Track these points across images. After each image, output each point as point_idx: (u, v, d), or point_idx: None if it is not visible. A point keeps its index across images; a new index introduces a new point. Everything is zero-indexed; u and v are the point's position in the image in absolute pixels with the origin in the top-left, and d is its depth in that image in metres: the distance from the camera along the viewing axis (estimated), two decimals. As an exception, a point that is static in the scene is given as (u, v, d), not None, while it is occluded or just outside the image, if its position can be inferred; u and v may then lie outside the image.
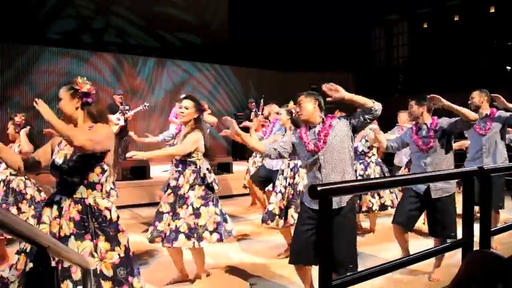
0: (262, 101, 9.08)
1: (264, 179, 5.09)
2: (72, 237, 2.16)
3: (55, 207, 2.23)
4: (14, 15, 9.33)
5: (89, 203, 2.24)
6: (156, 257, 4.36)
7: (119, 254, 2.24)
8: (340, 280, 1.87)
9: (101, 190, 2.32)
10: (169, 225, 3.30)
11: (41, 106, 2.17)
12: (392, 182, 2.77)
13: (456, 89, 12.07)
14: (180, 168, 3.41)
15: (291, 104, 3.88)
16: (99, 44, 10.80)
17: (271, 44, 12.87)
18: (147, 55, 11.28)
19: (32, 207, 4.11)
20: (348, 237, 2.76)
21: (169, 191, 3.42)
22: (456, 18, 13.00)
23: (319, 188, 1.77)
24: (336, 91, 2.79)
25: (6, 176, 4.15)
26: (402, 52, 15.13)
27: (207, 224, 3.30)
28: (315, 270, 2.24)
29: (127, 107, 7.93)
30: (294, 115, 3.63)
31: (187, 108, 3.41)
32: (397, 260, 2.30)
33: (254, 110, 9.36)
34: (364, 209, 5.03)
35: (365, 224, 5.56)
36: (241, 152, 10.36)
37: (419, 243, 4.52)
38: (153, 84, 11.14)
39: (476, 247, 2.54)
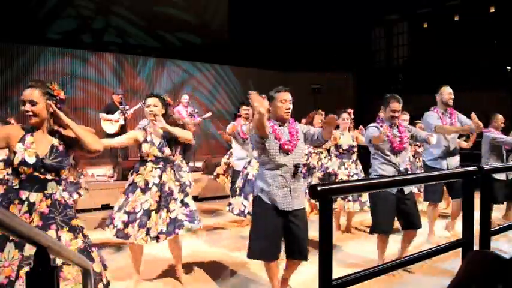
0: (262, 101, 9.06)
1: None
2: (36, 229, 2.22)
3: (25, 203, 2.28)
4: (14, 15, 9.33)
5: (56, 198, 2.36)
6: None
7: (82, 240, 2.38)
8: (340, 280, 1.87)
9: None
10: (162, 219, 3.33)
11: (59, 111, 2.35)
12: (392, 182, 2.77)
13: (456, 89, 12.08)
14: (161, 165, 3.42)
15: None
16: (99, 44, 10.80)
17: (271, 44, 12.86)
18: (147, 55, 11.29)
19: None
20: (306, 229, 3.11)
21: (154, 188, 3.37)
22: (456, 18, 13.00)
23: (319, 188, 1.77)
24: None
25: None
26: (402, 52, 15.13)
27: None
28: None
29: (127, 107, 7.93)
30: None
31: (156, 106, 3.43)
32: (397, 260, 2.30)
33: (254, 110, 9.35)
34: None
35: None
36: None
37: (419, 244, 4.53)
38: (153, 84, 11.15)
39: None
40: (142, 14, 11.53)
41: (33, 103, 2.32)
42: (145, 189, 3.34)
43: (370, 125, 3.88)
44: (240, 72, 12.85)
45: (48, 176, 2.33)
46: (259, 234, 3.00)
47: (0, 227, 1.02)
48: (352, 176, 5.10)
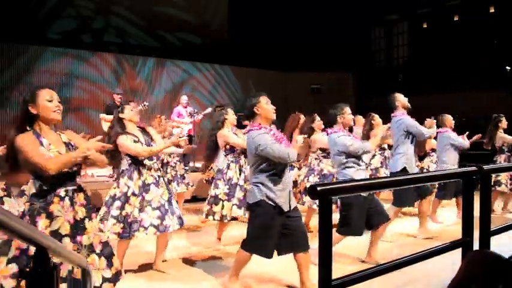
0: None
1: None
2: (87, 219, 2.42)
3: (66, 199, 2.36)
4: (14, 16, 9.33)
5: (83, 187, 2.51)
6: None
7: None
8: (340, 280, 1.87)
9: None
10: (172, 213, 3.54)
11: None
12: (391, 182, 2.77)
13: (456, 89, 12.10)
14: (154, 160, 3.68)
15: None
16: (99, 44, 10.80)
17: (271, 44, 12.87)
18: (147, 55, 11.29)
19: None
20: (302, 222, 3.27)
21: (161, 180, 3.63)
22: (456, 18, 13.01)
23: (318, 188, 1.77)
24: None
25: None
26: (402, 52, 15.13)
27: None
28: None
29: (126, 107, 7.92)
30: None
31: None
32: (396, 260, 2.30)
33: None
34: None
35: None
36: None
37: (417, 244, 4.53)
38: (153, 84, 11.15)
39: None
40: (142, 14, 11.53)
41: (59, 100, 2.42)
42: (157, 184, 3.55)
43: (340, 134, 3.87)
44: (240, 72, 12.85)
45: (73, 169, 2.42)
46: (263, 234, 3.10)
47: (0, 227, 1.02)
48: None
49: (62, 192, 2.36)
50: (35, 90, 2.39)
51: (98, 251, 2.41)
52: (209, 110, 8.86)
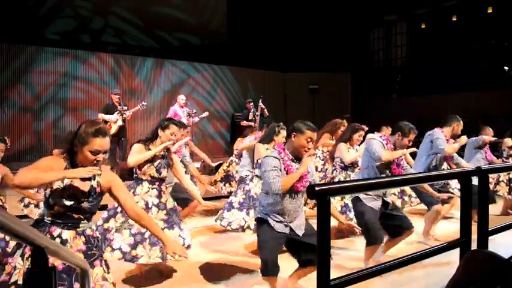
0: (260, 101, 9.07)
1: None
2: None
3: (57, 240, 2.17)
4: (12, 15, 9.31)
5: (88, 234, 2.26)
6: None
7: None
8: (338, 280, 1.87)
9: None
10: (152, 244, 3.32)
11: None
12: (391, 182, 2.77)
13: (455, 89, 12.11)
14: (156, 186, 3.51)
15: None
16: (97, 44, 10.78)
17: (270, 45, 12.87)
18: (146, 55, 11.27)
19: None
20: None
21: (154, 209, 3.42)
22: (454, 19, 13.03)
23: (317, 188, 1.77)
24: None
25: None
26: (401, 52, 15.15)
27: None
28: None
29: (125, 107, 7.91)
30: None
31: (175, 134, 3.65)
32: (395, 260, 2.30)
33: (252, 111, 9.34)
34: None
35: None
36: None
37: (417, 243, 4.53)
38: (151, 84, 11.13)
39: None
40: (141, 14, 11.52)
41: (106, 152, 2.26)
42: (146, 210, 3.28)
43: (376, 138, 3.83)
44: (239, 72, 12.84)
45: (82, 216, 2.23)
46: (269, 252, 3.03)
47: (-3, 228, 1.02)
48: None
49: (55, 232, 2.18)
50: (89, 134, 2.19)
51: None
52: (206, 113, 8.85)
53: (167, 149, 3.49)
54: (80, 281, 1.90)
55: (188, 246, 3.47)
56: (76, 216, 2.21)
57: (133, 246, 3.20)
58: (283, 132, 4.30)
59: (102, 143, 2.21)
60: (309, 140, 2.98)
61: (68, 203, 2.17)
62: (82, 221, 2.23)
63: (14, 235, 1.11)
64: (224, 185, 6.37)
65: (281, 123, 4.59)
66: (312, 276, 2.94)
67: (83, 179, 2.22)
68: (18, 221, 1.17)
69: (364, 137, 4.94)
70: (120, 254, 3.18)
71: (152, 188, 3.41)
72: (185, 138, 5.06)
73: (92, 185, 2.25)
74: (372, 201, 3.72)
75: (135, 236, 3.22)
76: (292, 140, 3.04)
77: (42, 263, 1.19)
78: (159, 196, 3.43)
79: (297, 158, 3.06)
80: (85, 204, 2.22)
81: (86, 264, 1.85)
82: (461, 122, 4.77)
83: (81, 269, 1.80)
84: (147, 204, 3.36)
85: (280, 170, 2.95)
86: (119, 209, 3.26)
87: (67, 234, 2.19)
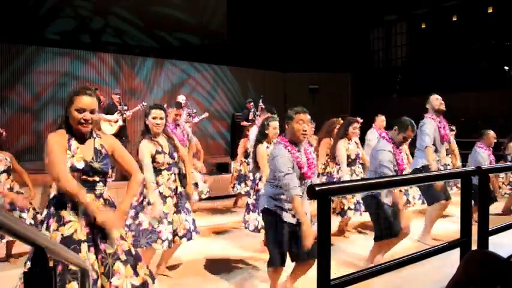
0: (260, 101, 9.07)
1: None
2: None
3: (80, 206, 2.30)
4: (12, 15, 9.31)
5: (105, 197, 2.40)
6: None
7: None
8: (339, 280, 1.87)
9: None
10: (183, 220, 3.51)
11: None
12: (391, 182, 2.77)
13: (455, 89, 12.11)
14: (173, 171, 3.58)
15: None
16: (97, 44, 10.78)
17: (270, 44, 12.87)
18: (146, 55, 11.27)
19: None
20: None
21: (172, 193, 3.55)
22: (454, 19, 13.03)
23: (317, 188, 1.77)
24: None
25: None
26: (401, 52, 15.15)
27: None
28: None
29: (125, 107, 7.92)
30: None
31: (162, 119, 3.64)
32: (395, 260, 2.30)
33: (252, 110, 9.34)
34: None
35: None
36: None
37: (415, 243, 4.53)
38: (151, 84, 11.13)
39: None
40: (141, 14, 11.52)
41: (93, 112, 2.32)
42: (172, 197, 3.50)
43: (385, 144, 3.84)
44: (239, 72, 12.84)
45: (96, 178, 2.35)
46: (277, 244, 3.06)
47: (-3, 227, 1.02)
48: None
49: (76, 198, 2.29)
50: (72, 94, 2.31)
51: (122, 259, 2.34)
52: (206, 114, 8.85)
53: (170, 137, 3.64)
54: (80, 280, 1.90)
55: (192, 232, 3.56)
56: (91, 179, 2.33)
57: (174, 233, 3.42)
58: (273, 124, 4.26)
59: (86, 100, 2.28)
60: (300, 122, 2.99)
61: (79, 166, 2.29)
62: (98, 184, 2.36)
63: (14, 235, 1.11)
64: (239, 184, 6.48)
65: (268, 115, 4.64)
66: (312, 276, 2.94)
67: (83, 142, 2.34)
68: (18, 221, 1.17)
69: (363, 138, 4.95)
70: (167, 244, 3.38)
71: (170, 174, 3.54)
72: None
73: (96, 147, 2.37)
74: (385, 197, 3.77)
75: (172, 224, 3.42)
76: (287, 129, 3.07)
77: (42, 263, 1.19)
78: (175, 181, 3.58)
79: (297, 144, 3.08)
80: (96, 165, 2.34)
81: (86, 264, 1.84)
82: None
83: (81, 267, 1.80)
84: (175, 190, 3.52)
85: (293, 168, 2.94)
86: (145, 201, 3.40)
87: (87, 198, 2.29)
